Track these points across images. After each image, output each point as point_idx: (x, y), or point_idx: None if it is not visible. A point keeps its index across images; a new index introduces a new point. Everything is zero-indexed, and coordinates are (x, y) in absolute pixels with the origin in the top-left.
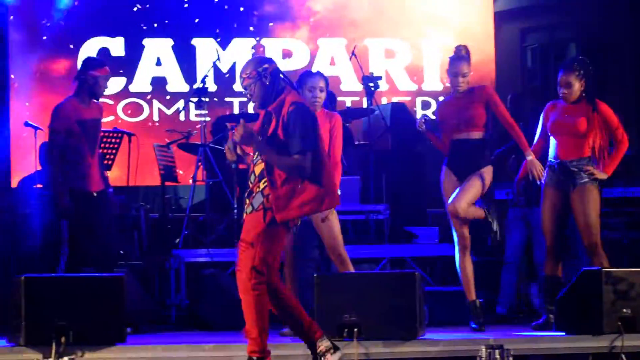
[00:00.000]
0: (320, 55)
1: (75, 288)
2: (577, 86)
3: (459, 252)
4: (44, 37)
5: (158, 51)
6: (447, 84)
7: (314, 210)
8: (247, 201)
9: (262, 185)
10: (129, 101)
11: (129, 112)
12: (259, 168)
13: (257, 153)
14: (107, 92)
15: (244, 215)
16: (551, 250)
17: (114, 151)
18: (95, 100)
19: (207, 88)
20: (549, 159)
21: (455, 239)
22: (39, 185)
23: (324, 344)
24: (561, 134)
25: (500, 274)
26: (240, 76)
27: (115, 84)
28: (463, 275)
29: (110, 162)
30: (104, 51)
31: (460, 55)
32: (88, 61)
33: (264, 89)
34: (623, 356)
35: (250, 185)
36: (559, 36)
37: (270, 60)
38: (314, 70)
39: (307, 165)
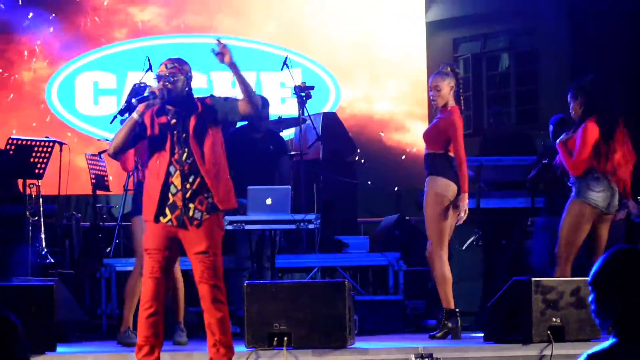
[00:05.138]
0: None
1: (4, 296)
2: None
3: None
4: None
5: None
6: None
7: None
8: (191, 206)
9: (197, 186)
10: None
11: None
12: (188, 166)
13: (184, 151)
14: None
15: (191, 222)
16: None
17: (45, 160)
18: None
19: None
20: None
21: None
22: None
23: None
24: None
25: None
26: (170, 63)
27: None
28: None
29: (41, 171)
30: None
31: (439, 71)
32: None
33: (182, 89)
34: None
35: (179, 187)
36: (491, 46)
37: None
38: None
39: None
